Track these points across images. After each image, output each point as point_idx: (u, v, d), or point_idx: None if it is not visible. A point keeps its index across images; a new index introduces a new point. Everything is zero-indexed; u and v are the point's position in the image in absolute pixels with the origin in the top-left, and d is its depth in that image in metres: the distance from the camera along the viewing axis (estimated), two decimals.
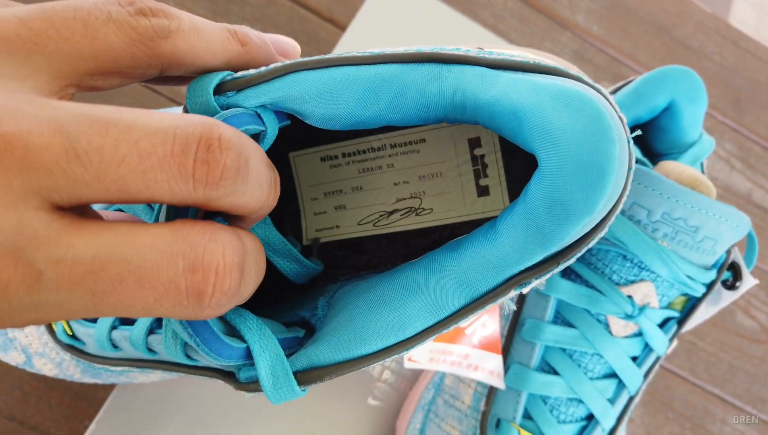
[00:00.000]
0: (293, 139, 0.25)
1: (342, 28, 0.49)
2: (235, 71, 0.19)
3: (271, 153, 0.26)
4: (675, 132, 0.32)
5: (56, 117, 0.12)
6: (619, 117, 0.17)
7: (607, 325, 0.28)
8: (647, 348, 0.29)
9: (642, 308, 0.28)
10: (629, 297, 0.28)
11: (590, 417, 0.29)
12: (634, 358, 0.29)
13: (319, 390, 0.36)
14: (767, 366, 0.54)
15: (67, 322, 0.27)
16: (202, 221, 0.14)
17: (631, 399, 0.29)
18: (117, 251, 0.13)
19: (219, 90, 0.18)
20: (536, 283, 0.18)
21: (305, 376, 0.19)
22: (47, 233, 0.12)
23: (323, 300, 0.21)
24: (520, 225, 0.17)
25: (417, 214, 0.24)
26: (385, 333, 0.18)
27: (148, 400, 0.34)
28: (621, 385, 0.29)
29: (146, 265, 0.13)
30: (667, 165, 0.28)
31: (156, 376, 0.28)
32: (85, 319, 0.27)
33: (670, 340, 0.30)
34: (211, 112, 0.18)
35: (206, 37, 0.17)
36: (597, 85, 0.17)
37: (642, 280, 0.28)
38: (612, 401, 0.29)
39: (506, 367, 0.29)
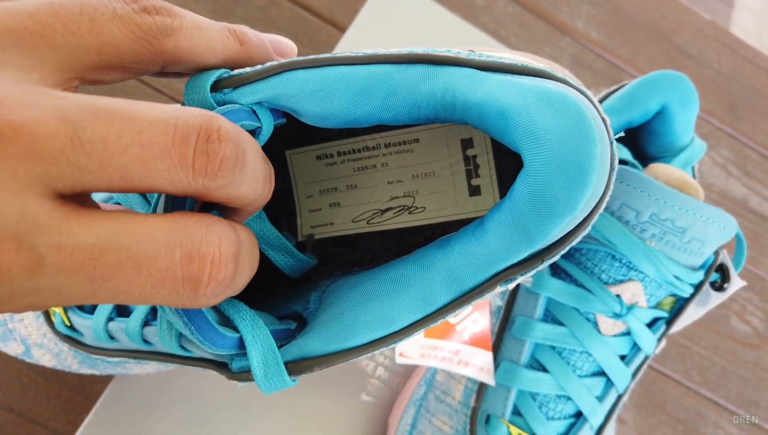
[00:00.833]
0: (290, 138, 0.26)
1: (343, 30, 0.49)
2: (233, 69, 0.20)
3: (267, 151, 0.26)
4: (667, 136, 0.33)
5: (61, 107, 0.13)
6: (602, 118, 0.17)
7: (595, 324, 0.29)
8: (635, 347, 0.29)
9: (630, 307, 0.28)
10: (618, 296, 0.28)
11: (579, 414, 0.30)
12: (622, 357, 0.30)
13: (313, 386, 0.36)
14: (761, 370, 0.55)
15: (66, 313, 0.27)
16: (199, 213, 0.15)
17: (619, 397, 0.30)
18: (116, 239, 0.13)
19: (216, 87, 0.19)
20: (521, 279, 0.19)
21: (295, 367, 0.19)
22: (49, 220, 0.13)
23: (315, 294, 0.22)
24: (506, 223, 0.18)
25: (410, 213, 0.25)
26: (374, 326, 0.19)
27: (144, 393, 0.35)
28: (609, 383, 0.29)
29: (144, 253, 0.14)
30: (656, 167, 0.29)
31: (152, 367, 0.29)
32: (83, 310, 0.27)
33: (659, 340, 0.30)
34: (208, 108, 0.19)
35: (207, 36, 0.18)
36: (582, 87, 0.18)
37: (630, 279, 0.28)
38: (600, 399, 0.29)
39: (496, 364, 0.30)
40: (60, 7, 0.15)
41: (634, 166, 0.30)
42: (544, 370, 0.29)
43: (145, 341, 0.24)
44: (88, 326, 0.26)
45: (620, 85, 0.34)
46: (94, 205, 0.16)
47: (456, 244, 0.19)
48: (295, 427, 0.35)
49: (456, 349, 0.30)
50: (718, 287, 0.30)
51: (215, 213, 0.17)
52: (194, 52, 0.18)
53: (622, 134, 0.20)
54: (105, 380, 0.38)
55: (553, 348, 0.29)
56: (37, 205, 0.13)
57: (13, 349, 0.31)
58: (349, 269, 0.26)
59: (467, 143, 0.23)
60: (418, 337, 0.31)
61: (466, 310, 0.30)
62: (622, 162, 0.30)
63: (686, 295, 0.29)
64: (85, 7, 0.15)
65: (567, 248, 0.18)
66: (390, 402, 0.36)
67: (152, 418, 0.34)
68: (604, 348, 0.28)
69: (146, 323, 0.24)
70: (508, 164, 0.24)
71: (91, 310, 0.27)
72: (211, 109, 0.18)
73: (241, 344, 0.19)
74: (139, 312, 0.24)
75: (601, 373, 0.29)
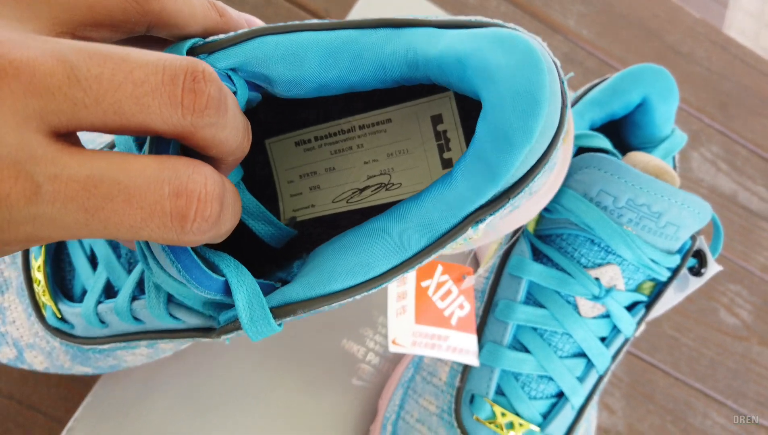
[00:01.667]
0: (269, 127, 0.27)
1: None
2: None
3: None
4: (648, 127, 0.34)
5: (58, 49, 0.14)
6: (553, 61, 0.19)
7: (575, 306, 0.30)
8: (615, 329, 0.31)
9: (609, 290, 0.29)
10: (596, 279, 0.29)
11: (560, 394, 0.31)
12: (602, 339, 0.31)
13: (305, 371, 0.37)
14: (749, 362, 0.55)
15: (56, 305, 0.28)
16: (187, 157, 0.16)
17: (600, 378, 0.31)
18: (108, 173, 0.14)
19: (191, 53, 0.20)
20: (490, 219, 0.20)
21: (280, 311, 0.20)
22: (45, 153, 0.14)
23: (299, 262, 0.23)
24: (472, 165, 0.19)
25: (387, 189, 0.26)
26: (352, 272, 0.20)
27: (138, 381, 0.36)
28: (590, 364, 0.30)
29: (135, 186, 0.15)
30: (634, 155, 0.30)
31: (142, 353, 0.30)
32: (72, 300, 0.28)
33: (638, 323, 0.31)
34: None
35: (190, 3, 0.19)
36: (531, 34, 0.20)
37: (609, 263, 0.29)
38: (581, 380, 0.30)
39: (481, 346, 0.31)
40: None
41: (614, 154, 0.31)
42: (527, 351, 0.30)
43: (135, 319, 0.25)
44: (78, 314, 0.27)
45: (603, 79, 0.35)
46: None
47: (427, 194, 0.20)
48: (286, 412, 0.36)
49: (445, 335, 0.31)
50: (696, 272, 0.31)
51: None
52: (178, 16, 0.19)
53: (572, 74, 0.22)
54: None
55: (535, 330, 0.30)
56: (34, 139, 0.14)
57: (5, 355, 0.31)
58: None
59: (437, 119, 0.25)
60: (410, 324, 0.33)
61: (454, 296, 0.31)
62: (602, 150, 0.31)
63: (664, 278, 0.30)
64: None
65: (529, 185, 0.20)
66: (380, 386, 0.37)
67: (146, 406, 0.35)
68: (584, 330, 0.29)
69: (134, 298, 0.25)
70: None
71: (80, 297, 0.28)
72: None
73: (227, 289, 0.20)
74: (127, 287, 0.25)
75: (582, 354, 0.30)
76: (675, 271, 0.30)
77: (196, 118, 0.15)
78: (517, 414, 0.30)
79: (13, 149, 0.13)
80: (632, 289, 0.30)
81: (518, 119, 0.18)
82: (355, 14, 0.47)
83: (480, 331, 0.31)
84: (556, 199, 0.30)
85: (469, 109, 0.25)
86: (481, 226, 0.20)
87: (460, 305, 0.31)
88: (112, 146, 0.26)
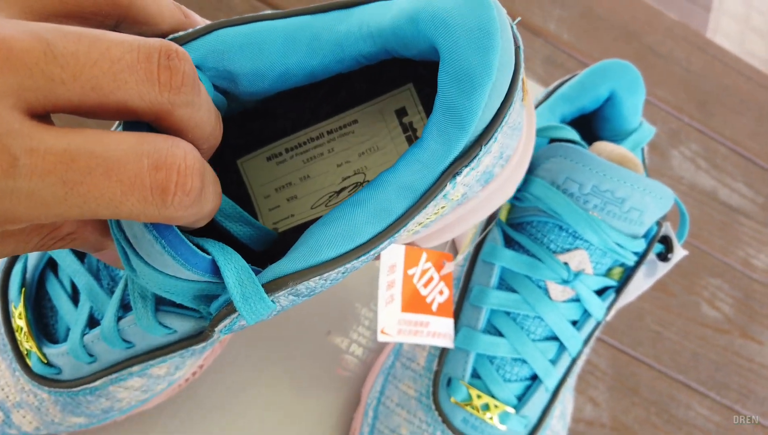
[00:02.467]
0: (237, 147, 0.28)
1: None
2: None
3: (218, 162, 0.28)
4: (617, 120, 0.35)
5: (33, 28, 0.14)
6: (500, 6, 0.20)
7: (546, 290, 0.31)
8: (586, 313, 0.32)
9: (577, 274, 0.30)
10: (565, 264, 0.31)
11: (534, 377, 0.32)
12: (574, 323, 0.32)
13: (292, 364, 0.38)
14: (731, 354, 0.56)
15: (40, 350, 0.27)
16: (164, 134, 0.16)
17: (573, 361, 0.32)
18: (86, 147, 0.14)
19: None
20: (467, 171, 0.21)
21: (272, 285, 0.20)
22: (21, 128, 0.14)
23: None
24: (440, 120, 0.20)
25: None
26: (338, 242, 0.21)
27: None
28: (562, 347, 0.32)
29: (114, 159, 0.15)
30: (599, 145, 0.31)
31: (135, 386, 0.29)
32: (55, 342, 0.28)
33: (609, 308, 0.32)
34: None
35: (158, 1, 0.20)
36: None
37: (576, 248, 0.30)
38: (554, 362, 0.31)
39: (457, 330, 0.32)
40: None
41: (581, 145, 0.32)
42: (500, 334, 0.31)
43: (124, 340, 0.25)
44: (64, 352, 0.27)
45: (572, 75, 0.37)
46: None
47: (402, 161, 0.21)
48: (273, 404, 0.37)
49: (426, 321, 0.32)
50: (663, 258, 0.33)
51: None
52: (146, 12, 0.20)
53: (519, 19, 0.23)
54: None
55: (508, 314, 0.31)
56: (10, 115, 0.14)
57: None
58: None
59: (401, 112, 0.26)
60: (397, 313, 0.34)
61: (435, 282, 0.32)
62: (570, 141, 0.32)
63: (631, 263, 0.31)
64: None
65: (499, 129, 0.21)
66: (364, 376, 0.38)
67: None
68: (555, 313, 0.31)
69: (120, 318, 0.25)
70: None
71: (64, 338, 0.28)
72: None
73: (215, 269, 0.20)
74: (111, 307, 0.25)
75: (554, 337, 0.32)
76: (642, 256, 0.31)
77: (173, 96, 0.16)
78: (492, 396, 0.31)
79: None
80: (601, 274, 0.31)
81: (476, 55, 0.19)
82: None
83: (456, 316, 0.32)
84: (526, 187, 0.31)
85: (431, 97, 0.26)
86: (459, 179, 0.21)
87: (440, 291, 0.32)
88: None
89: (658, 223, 0.32)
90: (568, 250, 0.30)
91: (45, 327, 0.28)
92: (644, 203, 0.29)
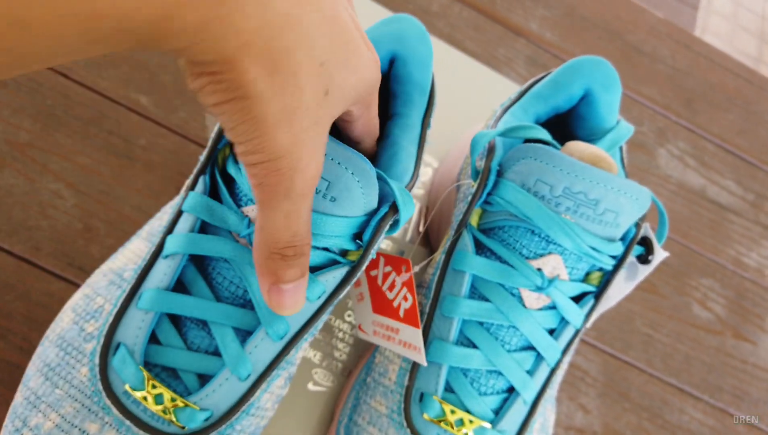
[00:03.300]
0: None
1: None
2: None
3: None
4: (593, 119, 0.34)
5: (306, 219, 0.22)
6: None
7: (520, 298, 0.29)
8: (563, 321, 0.30)
9: (551, 280, 0.29)
10: (539, 270, 0.29)
11: (511, 389, 0.30)
12: (551, 332, 0.30)
13: None
14: (723, 356, 0.55)
15: (187, 400, 0.25)
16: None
17: (552, 371, 0.31)
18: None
19: None
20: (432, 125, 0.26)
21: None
22: None
23: None
24: (409, 97, 0.29)
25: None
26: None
27: None
28: (539, 357, 0.30)
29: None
30: (571, 145, 0.30)
31: (279, 385, 0.30)
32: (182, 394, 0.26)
33: (588, 314, 0.31)
34: None
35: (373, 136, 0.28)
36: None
37: (550, 253, 0.29)
38: (531, 373, 0.30)
39: (428, 343, 0.31)
40: None
41: (553, 145, 0.31)
42: (474, 346, 0.30)
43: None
44: (217, 387, 0.26)
45: (545, 73, 0.35)
46: None
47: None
48: None
49: (396, 328, 0.31)
50: (644, 260, 0.31)
51: None
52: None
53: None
54: None
55: (481, 324, 0.30)
56: None
57: None
58: None
59: None
60: (369, 313, 0.32)
61: (398, 288, 0.31)
62: (541, 142, 0.31)
63: (609, 267, 0.30)
64: None
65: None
66: (338, 390, 0.36)
67: None
68: (530, 322, 0.29)
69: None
70: None
71: (194, 382, 0.26)
72: None
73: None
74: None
75: (530, 347, 0.30)
76: (620, 260, 0.30)
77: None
78: (467, 411, 0.29)
79: None
80: (578, 280, 0.30)
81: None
82: None
83: (427, 328, 0.31)
84: (496, 191, 0.30)
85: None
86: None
87: (405, 297, 0.31)
88: (190, 188, 0.27)
89: (637, 225, 0.31)
90: (542, 255, 0.29)
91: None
92: (619, 204, 0.28)
